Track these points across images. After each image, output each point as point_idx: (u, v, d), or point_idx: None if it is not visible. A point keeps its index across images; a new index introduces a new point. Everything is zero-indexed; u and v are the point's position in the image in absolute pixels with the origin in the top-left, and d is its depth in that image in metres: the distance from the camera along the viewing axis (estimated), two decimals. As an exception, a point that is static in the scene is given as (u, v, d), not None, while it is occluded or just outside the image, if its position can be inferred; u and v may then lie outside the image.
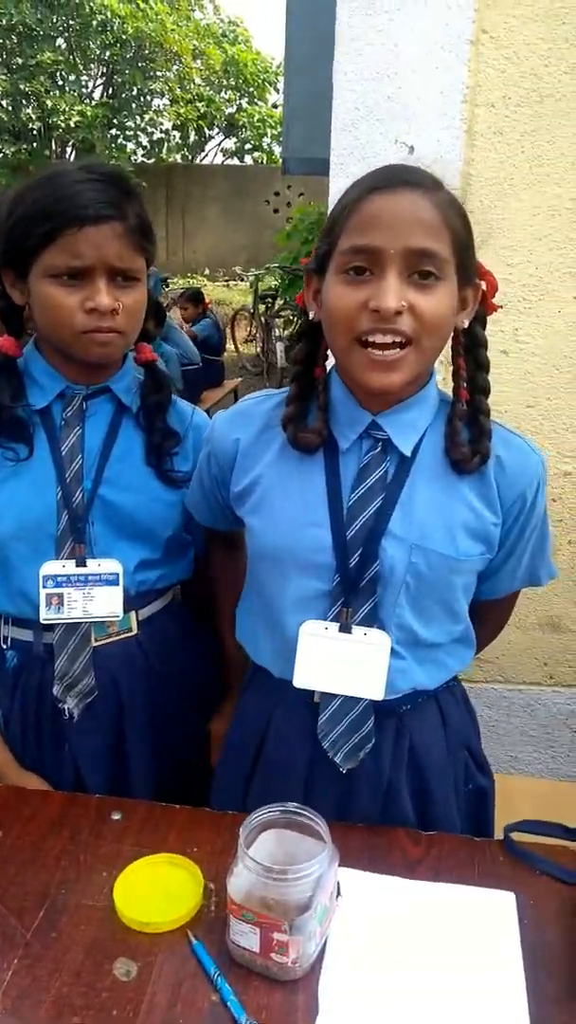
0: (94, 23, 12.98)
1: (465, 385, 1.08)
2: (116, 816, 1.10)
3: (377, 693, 1.07)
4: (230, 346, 9.46)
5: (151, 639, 1.32)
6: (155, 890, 0.97)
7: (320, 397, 1.08)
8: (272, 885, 0.85)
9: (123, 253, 1.12)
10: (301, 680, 1.08)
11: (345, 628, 1.06)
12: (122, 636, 1.28)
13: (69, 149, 14.09)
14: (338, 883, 0.95)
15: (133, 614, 1.29)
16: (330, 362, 1.12)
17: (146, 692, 1.31)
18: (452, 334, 1.06)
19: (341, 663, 1.06)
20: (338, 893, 0.96)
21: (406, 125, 1.66)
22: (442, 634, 1.11)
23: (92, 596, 1.22)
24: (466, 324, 1.06)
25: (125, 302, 1.14)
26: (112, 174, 1.15)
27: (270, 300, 8.75)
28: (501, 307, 1.09)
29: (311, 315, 1.07)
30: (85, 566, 1.22)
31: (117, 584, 1.23)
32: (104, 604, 1.23)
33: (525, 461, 1.09)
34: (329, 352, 1.09)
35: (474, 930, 0.95)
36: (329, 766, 1.10)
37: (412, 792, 1.14)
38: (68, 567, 1.21)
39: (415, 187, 0.95)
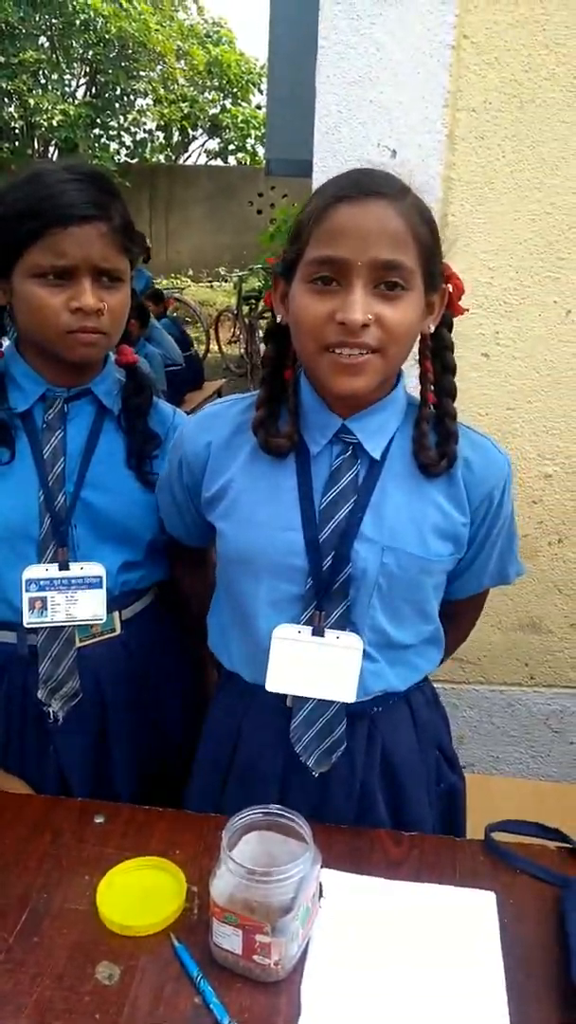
0: (77, 22, 12.91)
1: (432, 388, 1.10)
2: (99, 819, 1.10)
3: (349, 696, 1.07)
4: (214, 347, 9.45)
5: (134, 639, 1.31)
6: (138, 893, 0.97)
7: (290, 400, 1.09)
8: (254, 887, 0.86)
9: (108, 253, 1.12)
10: (273, 684, 1.08)
11: (318, 631, 1.07)
12: (105, 636, 1.28)
13: (52, 148, 14.01)
14: (320, 884, 0.95)
15: (116, 614, 1.29)
16: (299, 363, 1.12)
17: (129, 693, 1.31)
18: (419, 337, 1.07)
19: (313, 666, 1.07)
20: (320, 894, 0.96)
21: (388, 128, 1.67)
22: (413, 635, 1.13)
23: (75, 599, 1.22)
24: (432, 329, 1.07)
25: (109, 303, 1.14)
26: (95, 174, 1.15)
27: (254, 301, 8.74)
28: (467, 310, 1.11)
29: (279, 318, 1.07)
30: (68, 569, 1.21)
31: (100, 587, 1.23)
32: (87, 607, 1.23)
33: (492, 462, 1.12)
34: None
35: (455, 930, 0.96)
36: (303, 770, 1.10)
37: (386, 793, 1.15)
38: (51, 571, 1.21)
39: (381, 196, 0.95)
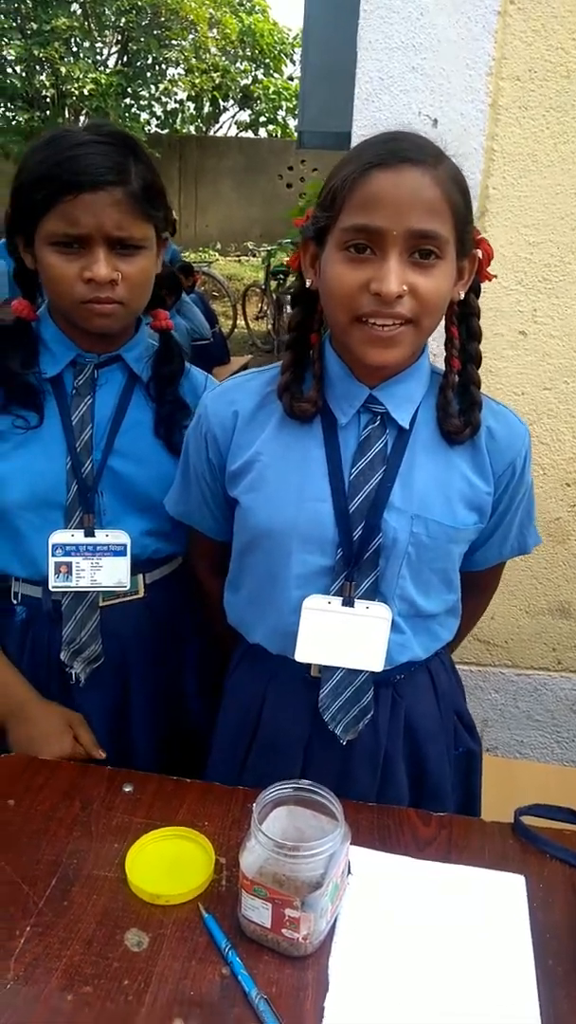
0: (109, -12, 12.77)
1: (457, 354, 1.09)
2: (127, 788, 1.10)
3: (377, 665, 1.08)
4: (241, 322, 9.39)
5: (158, 602, 1.32)
6: (166, 863, 0.98)
7: (315, 365, 1.08)
8: (284, 861, 0.86)
9: (123, 221, 1.09)
10: (303, 655, 1.09)
11: (348, 602, 1.07)
12: (129, 598, 1.28)
13: (82, 117, 13.91)
14: (349, 862, 0.95)
15: (141, 577, 1.29)
16: (325, 328, 1.10)
17: (151, 655, 1.32)
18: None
19: (342, 637, 1.07)
20: (349, 871, 0.96)
21: (430, 97, 1.63)
22: (439, 604, 1.13)
23: (100, 566, 1.22)
24: (462, 296, 1.06)
25: (127, 271, 1.11)
26: (117, 136, 1.11)
27: (282, 276, 8.65)
28: (496, 276, 1.10)
29: (308, 282, 1.06)
30: (94, 536, 1.22)
31: (125, 555, 1.23)
32: (111, 574, 1.23)
33: (513, 431, 1.12)
34: (324, 320, 1.08)
35: (484, 912, 0.95)
36: (327, 739, 1.11)
37: (407, 760, 1.17)
38: (77, 536, 1.21)
39: (417, 164, 0.93)
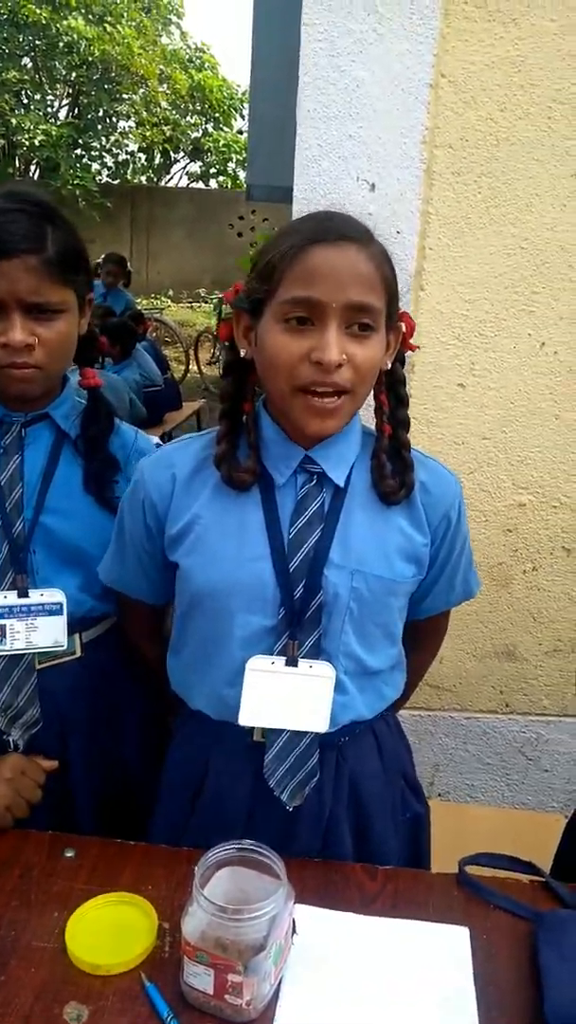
0: (60, 44, 13.00)
1: (387, 420, 1.13)
2: (69, 853, 1.08)
3: (322, 726, 1.08)
4: (193, 368, 9.46)
5: (96, 662, 1.31)
6: (108, 930, 0.96)
7: (250, 434, 1.10)
8: (227, 925, 0.85)
9: (39, 287, 1.09)
10: (247, 718, 1.08)
11: (291, 662, 1.07)
12: (66, 659, 1.27)
13: (33, 167, 14.05)
14: (293, 921, 0.95)
15: (77, 636, 1.28)
16: (258, 396, 1.14)
17: (89, 717, 1.30)
18: None
19: (287, 698, 1.07)
20: (294, 931, 0.95)
21: (368, 163, 1.70)
22: (384, 659, 1.14)
23: (35, 627, 1.21)
24: (389, 365, 1.10)
25: (45, 336, 1.12)
26: (33, 203, 1.12)
27: (234, 323, 8.76)
28: (419, 347, 1.14)
29: (243, 353, 1.08)
30: (28, 596, 1.20)
31: (61, 613, 1.22)
32: (48, 634, 1.22)
33: (445, 483, 1.17)
34: (257, 387, 1.11)
35: (428, 966, 0.95)
36: (270, 803, 1.10)
37: (352, 824, 1.16)
38: (10, 598, 1.20)
39: (353, 241, 0.98)
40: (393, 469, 1.11)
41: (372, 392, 1.12)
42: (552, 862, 1.37)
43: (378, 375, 1.09)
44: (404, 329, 1.10)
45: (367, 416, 1.16)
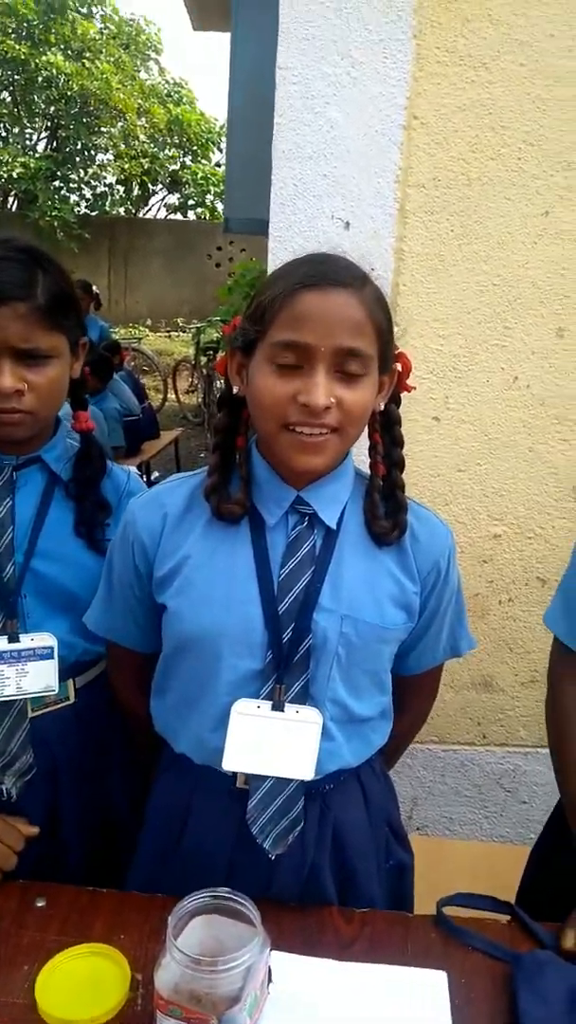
0: (39, 79, 13.15)
1: (382, 460, 1.12)
2: (40, 903, 1.05)
3: (307, 773, 1.05)
4: (171, 396, 9.48)
5: (89, 707, 1.28)
6: (79, 984, 0.93)
7: (242, 468, 1.10)
8: (201, 977, 0.82)
9: (30, 334, 1.09)
10: (231, 763, 1.05)
11: (278, 706, 1.05)
12: (60, 705, 1.25)
13: (11, 199, 14.12)
14: (269, 969, 0.93)
15: (71, 682, 1.26)
16: (252, 432, 1.13)
17: (82, 764, 1.27)
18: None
19: (272, 743, 1.04)
20: (269, 980, 0.93)
21: (342, 202, 1.73)
22: (371, 706, 1.12)
23: (26, 672, 1.19)
24: (383, 406, 1.10)
25: (35, 381, 1.12)
26: (22, 250, 1.12)
27: (211, 352, 8.82)
28: (415, 388, 1.14)
29: (235, 389, 1.08)
30: (18, 641, 1.18)
31: (52, 658, 1.20)
32: (39, 679, 1.20)
33: (436, 532, 1.15)
34: (251, 424, 1.11)
35: (406, 1012, 0.93)
36: (252, 850, 1.07)
37: (334, 872, 1.13)
38: (0, 643, 1.18)
39: (344, 286, 0.98)
40: (386, 510, 1.10)
41: (368, 432, 1.12)
42: (516, 894, 1.36)
43: (372, 415, 1.09)
44: (400, 369, 1.09)
45: (361, 456, 1.15)
